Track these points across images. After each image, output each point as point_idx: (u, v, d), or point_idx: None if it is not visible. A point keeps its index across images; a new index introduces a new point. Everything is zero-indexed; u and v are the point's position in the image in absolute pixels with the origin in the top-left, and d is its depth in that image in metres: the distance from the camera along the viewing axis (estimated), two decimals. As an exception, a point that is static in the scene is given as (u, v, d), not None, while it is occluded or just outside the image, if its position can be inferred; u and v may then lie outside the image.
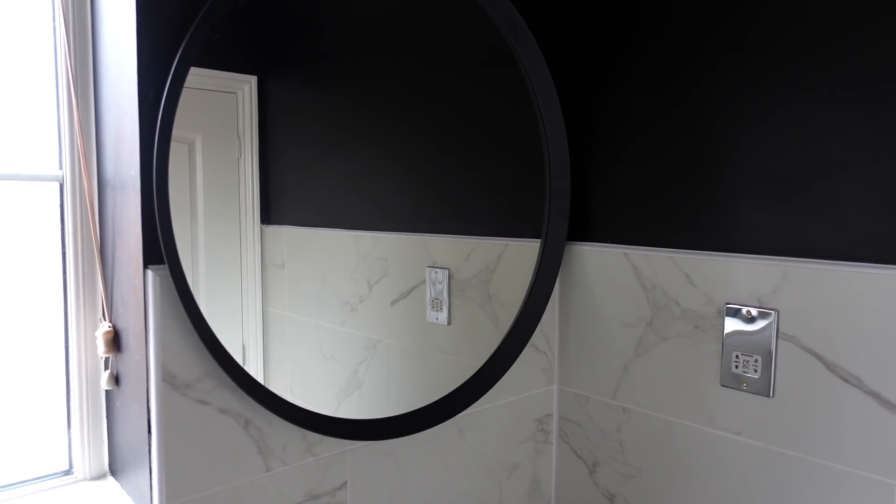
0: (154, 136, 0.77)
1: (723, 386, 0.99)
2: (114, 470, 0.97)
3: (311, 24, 0.98)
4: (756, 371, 0.95)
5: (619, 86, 1.14)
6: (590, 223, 1.19)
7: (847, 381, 0.87)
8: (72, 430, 0.96)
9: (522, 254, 1.16)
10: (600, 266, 1.16)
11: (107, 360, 0.93)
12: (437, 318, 1.12)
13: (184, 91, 0.79)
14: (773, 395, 0.94)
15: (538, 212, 1.15)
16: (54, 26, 0.90)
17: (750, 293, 0.96)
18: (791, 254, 0.93)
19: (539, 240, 1.15)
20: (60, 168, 0.92)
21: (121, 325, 0.90)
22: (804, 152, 0.91)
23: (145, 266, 0.81)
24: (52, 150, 0.93)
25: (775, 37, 0.94)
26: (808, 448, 0.91)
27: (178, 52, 0.78)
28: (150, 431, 0.82)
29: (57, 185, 0.93)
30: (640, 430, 1.11)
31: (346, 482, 0.98)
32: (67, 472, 0.96)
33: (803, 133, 0.91)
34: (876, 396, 0.84)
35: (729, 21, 0.99)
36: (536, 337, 1.20)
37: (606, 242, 1.16)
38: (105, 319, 0.93)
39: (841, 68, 0.88)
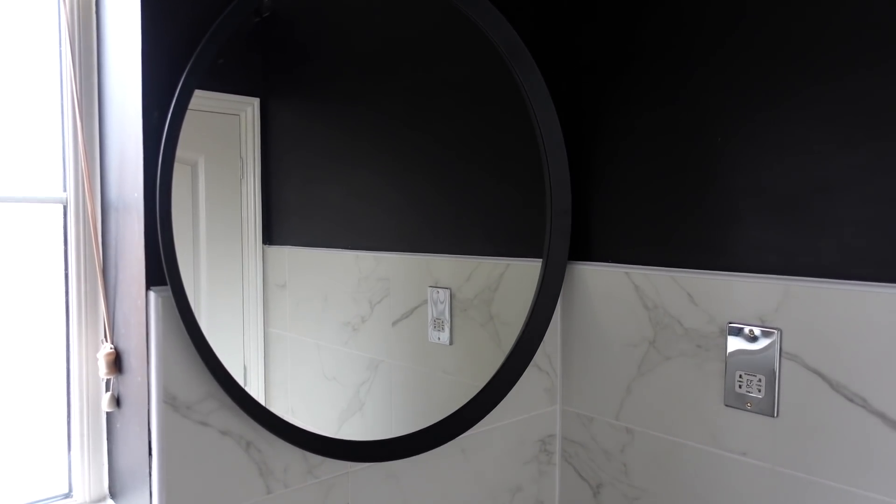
0: (158, 157, 0.78)
1: (727, 406, 0.99)
2: (114, 493, 0.96)
3: (313, 47, 1.00)
4: (760, 391, 0.95)
5: (619, 105, 1.14)
6: (590, 243, 1.19)
7: (852, 400, 0.86)
8: (72, 452, 0.95)
9: (524, 273, 1.16)
10: (602, 285, 1.16)
11: (108, 381, 0.93)
12: (439, 338, 1.12)
13: (187, 113, 0.79)
14: (777, 415, 0.93)
15: (539, 231, 1.16)
16: (60, 50, 0.92)
17: (752, 312, 0.96)
18: (792, 272, 0.93)
19: (540, 259, 1.15)
20: (64, 190, 0.93)
21: (122, 346, 0.90)
22: (803, 171, 0.92)
23: (148, 287, 0.81)
24: (56, 172, 0.93)
25: (773, 57, 0.95)
26: (813, 468, 0.90)
27: (182, 75, 0.79)
28: (150, 454, 0.82)
29: (61, 206, 0.93)
30: (644, 451, 1.10)
31: (348, 505, 0.97)
32: (67, 496, 0.95)
33: (802, 152, 0.92)
34: (881, 416, 0.84)
35: (727, 42, 1.00)
36: (539, 357, 1.19)
37: (607, 262, 1.16)
38: (107, 341, 0.93)
39: (839, 88, 0.88)
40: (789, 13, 0.93)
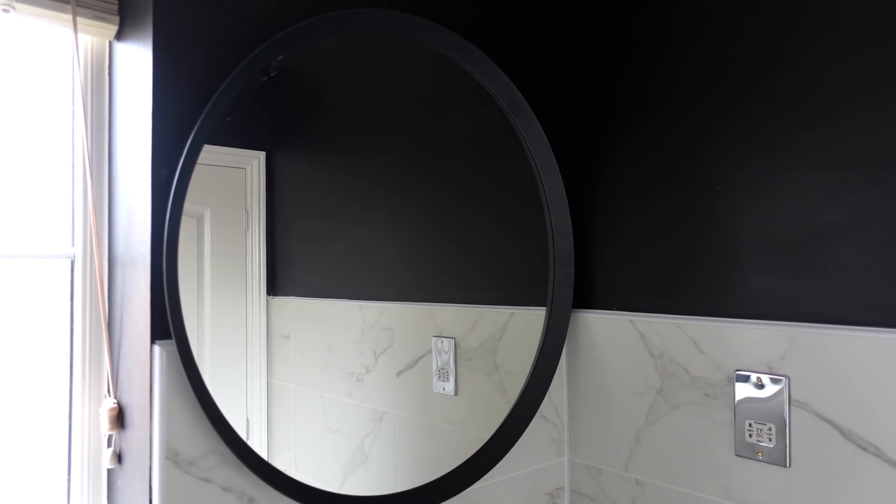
0: (165, 212, 0.79)
1: (738, 456, 0.97)
2: (112, 553, 0.94)
3: (318, 102, 1.02)
4: (771, 440, 0.93)
5: (618, 155, 1.16)
6: (594, 290, 1.19)
7: (865, 449, 0.85)
8: (71, 510, 0.93)
9: (528, 322, 1.16)
10: (606, 333, 1.15)
11: (110, 437, 0.92)
12: (444, 389, 1.11)
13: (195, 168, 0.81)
14: (789, 465, 0.91)
15: (542, 280, 1.16)
16: (73, 109, 0.94)
17: (759, 359, 0.95)
18: (797, 318, 0.93)
19: (544, 308, 1.15)
20: (72, 245, 0.94)
21: (125, 400, 0.89)
22: (802, 217, 0.92)
23: (152, 341, 0.81)
24: (64, 228, 0.94)
25: (772, 104, 0.97)
26: (829, 521, 0.88)
27: (190, 134, 0.81)
28: (151, 512, 0.80)
29: (68, 262, 0.94)
30: (655, 504, 1.08)
31: (352, 563, 0.95)
32: (65, 556, 0.93)
33: (803, 199, 0.93)
34: (896, 465, 0.82)
35: (726, 90, 1.02)
36: (545, 407, 1.18)
37: (612, 309, 1.16)
38: (110, 395, 0.92)
39: (832, 133, 0.90)
40: (783, 62, 0.95)
